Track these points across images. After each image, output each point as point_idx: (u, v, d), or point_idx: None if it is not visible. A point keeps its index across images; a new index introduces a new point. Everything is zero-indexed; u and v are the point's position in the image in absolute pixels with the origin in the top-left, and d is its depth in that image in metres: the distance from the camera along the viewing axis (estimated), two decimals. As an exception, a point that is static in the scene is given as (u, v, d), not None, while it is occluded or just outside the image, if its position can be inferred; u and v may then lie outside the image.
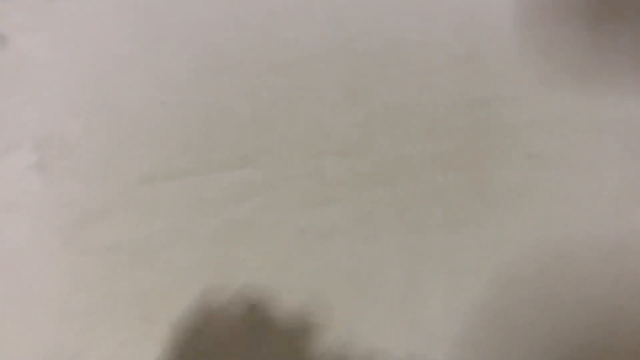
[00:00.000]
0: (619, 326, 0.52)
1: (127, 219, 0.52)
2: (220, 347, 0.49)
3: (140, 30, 0.56)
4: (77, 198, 0.52)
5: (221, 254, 0.52)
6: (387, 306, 0.52)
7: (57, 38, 0.55)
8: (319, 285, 0.52)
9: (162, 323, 0.50)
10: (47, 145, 0.53)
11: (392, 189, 0.54)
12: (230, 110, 0.55)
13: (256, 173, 0.54)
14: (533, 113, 0.57)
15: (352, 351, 0.50)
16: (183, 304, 0.50)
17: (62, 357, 0.48)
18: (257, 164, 0.54)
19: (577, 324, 0.52)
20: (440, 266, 0.53)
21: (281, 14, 0.57)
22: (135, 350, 0.49)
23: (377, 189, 0.54)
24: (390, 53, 0.57)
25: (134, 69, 0.54)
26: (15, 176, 0.51)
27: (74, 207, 0.52)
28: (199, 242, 0.52)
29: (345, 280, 0.52)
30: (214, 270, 0.51)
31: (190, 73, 0.55)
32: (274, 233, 0.52)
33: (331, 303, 0.51)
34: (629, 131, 0.57)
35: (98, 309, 0.49)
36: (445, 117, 0.56)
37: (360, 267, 0.52)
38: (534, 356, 0.51)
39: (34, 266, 0.50)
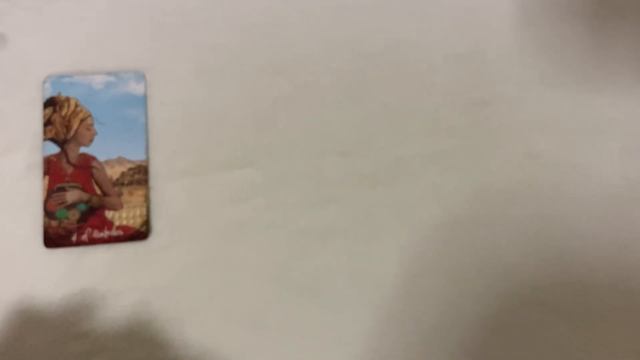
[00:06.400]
0: (619, 325, 0.52)
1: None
2: None
3: (140, 30, 0.56)
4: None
5: (221, 254, 0.52)
6: (387, 306, 0.52)
7: (57, 38, 0.55)
8: (318, 285, 0.52)
9: (163, 323, 0.50)
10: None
11: (392, 189, 0.54)
12: (230, 110, 0.55)
13: (256, 173, 0.54)
14: (533, 113, 0.57)
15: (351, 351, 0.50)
16: (183, 303, 0.50)
17: (62, 357, 0.48)
18: (257, 164, 0.54)
19: (578, 323, 0.52)
20: (440, 266, 0.53)
21: (281, 14, 0.57)
22: (135, 350, 0.49)
23: (377, 189, 0.54)
24: (390, 53, 0.57)
25: (133, 68, 0.54)
26: (15, 176, 0.51)
27: (74, 207, 0.52)
28: (199, 241, 0.52)
29: (345, 281, 0.52)
30: (214, 270, 0.51)
31: (190, 73, 0.55)
32: (274, 233, 0.52)
33: (331, 303, 0.51)
34: (629, 131, 0.57)
35: (98, 309, 0.49)
36: (445, 117, 0.56)
37: (360, 267, 0.52)
38: (535, 357, 0.51)
39: (34, 266, 0.50)
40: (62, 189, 0.51)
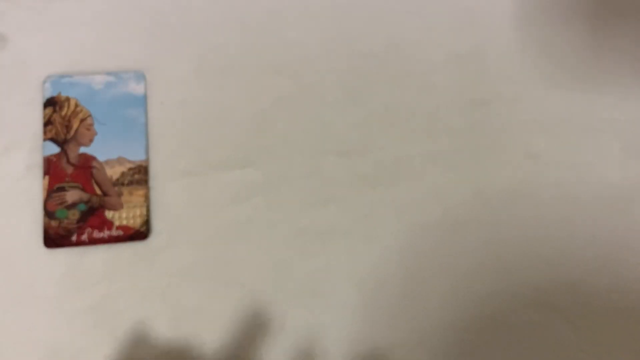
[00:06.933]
0: (619, 325, 0.52)
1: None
2: None
3: (140, 30, 0.56)
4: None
5: (221, 254, 0.52)
6: (387, 306, 0.52)
7: (57, 38, 0.55)
8: (318, 285, 0.52)
9: (162, 323, 0.50)
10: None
11: (392, 189, 0.54)
12: (230, 110, 0.55)
13: (256, 173, 0.54)
14: (533, 113, 0.57)
15: (353, 351, 0.50)
16: (183, 304, 0.50)
17: (62, 358, 0.48)
18: (257, 164, 0.54)
19: (578, 323, 0.52)
20: (441, 266, 0.53)
21: (281, 14, 0.57)
22: (135, 350, 0.49)
23: (377, 189, 0.54)
24: (390, 53, 0.57)
25: (133, 68, 0.54)
26: (15, 176, 0.51)
27: (74, 207, 0.52)
28: (199, 241, 0.52)
29: (345, 281, 0.52)
30: (214, 270, 0.51)
31: (190, 73, 0.55)
32: (274, 233, 0.52)
33: (331, 303, 0.51)
34: (629, 131, 0.57)
35: (98, 309, 0.49)
36: (445, 117, 0.56)
37: (360, 267, 0.52)
38: (535, 357, 0.51)
39: (34, 266, 0.50)
40: (62, 189, 0.51)
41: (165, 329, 0.49)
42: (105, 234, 0.51)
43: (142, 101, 0.54)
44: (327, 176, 0.54)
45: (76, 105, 0.53)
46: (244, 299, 0.51)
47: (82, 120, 0.53)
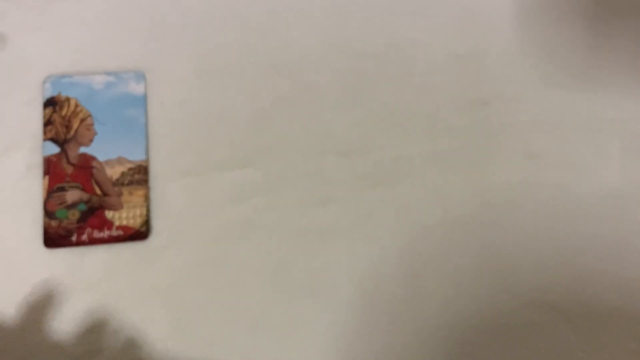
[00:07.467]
0: (619, 325, 0.52)
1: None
2: None
3: (140, 30, 0.56)
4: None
5: (221, 254, 0.52)
6: (387, 306, 0.52)
7: (57, 38, 0.55)
8: (318, 285, 0.52)
9: (162, 323, 0.50)
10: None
11: (392, 189, 0.54)
12: (230, 110, 0.55)
13: (256, 173, 0.54)
14: (533, 113, 0.57)
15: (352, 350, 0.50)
16: (183, 304, 0.50)
17: (62, 358, 0.48)
18: (257, 164, 0.54)
19: (578, 323, 0.52)
20: (441, 266, 0.53)
21: (281, 14, 0.57)
22: (135, 350, 0.49)
23: (377, 189, 0.54)
24: (390, 53, 0.57)
25: (133, 68, 0.54)
26: (15, 176, 0.51)
27: (74, 207, 0.52)
28: (199, 241, 0.52)
29: (345, 281, 0.52)
30: (214, 270, 0.51)
31: (190, 73, 0.55)
32: (274, 233, 0.52)
33: (331, 303, 0.51)
34: (629, 131, 0.57)
35: (98, 309, 0.49)
36: (445, 117, 0.56)
37: (360, 267, 0.52)
38: (535, 357, 0.51)
39: (34, 266, 0.50)
40: (62, 189, 0.51)
41: (165, 329, 0.49)
42: (105, 234, 0.51)
43: (142, 101, 0.54)
44: (327, 176, 0.54)
45: (76, 105, 0.53)
46: (244, 299, 0.51)
47: (82, 120, 0.53)
